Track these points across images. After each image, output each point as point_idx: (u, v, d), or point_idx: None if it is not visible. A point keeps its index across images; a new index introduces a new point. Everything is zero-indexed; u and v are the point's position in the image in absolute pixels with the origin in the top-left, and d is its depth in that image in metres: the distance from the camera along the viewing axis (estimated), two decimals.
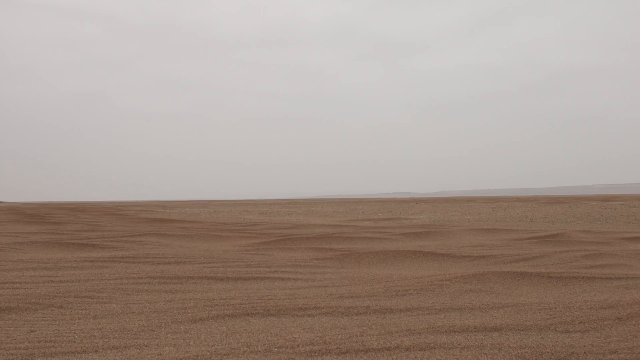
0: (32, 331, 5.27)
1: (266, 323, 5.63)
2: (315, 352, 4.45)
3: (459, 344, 4.59)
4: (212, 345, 4.72)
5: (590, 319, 5.53)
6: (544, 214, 32.41)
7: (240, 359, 4.30)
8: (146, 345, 4.75)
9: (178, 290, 7.63)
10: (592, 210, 37.94)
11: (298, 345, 4.63)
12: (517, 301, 6.59)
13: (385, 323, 5.50)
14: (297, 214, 38.36)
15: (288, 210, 47.28)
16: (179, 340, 4.94)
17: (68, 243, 13.61)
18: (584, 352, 4.36)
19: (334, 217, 32.82)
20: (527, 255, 10.98)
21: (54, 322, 5.69)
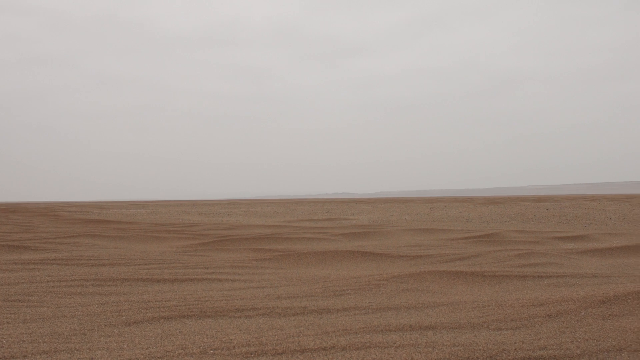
0: None
1: (202, 325, 5.57)
2: (252, 354, 4.42)
3: (394, 343, 4.64)
4: (146, 348, 4.64)
5: (522, 317, 5.68)
6: (480, 214, 33.10)
7: None
8: (77, 350, 4.64)
9: (112, 292, 7.48)
10: (525, 210, 38.97)
11: (234, 347, 4.60)
12: (452, 300, 6.71)
13: (322, 323, 5.51)
14: (237, 215, 38.14)
15: (228, 211, 46.95)
16: (112, 343, 4.84)
17: None
18: (515, 349, 4.47)
19: (274, 218, 32.76)
20: (463, 255, 11.19)
21: None
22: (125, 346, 4.74)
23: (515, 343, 4.66)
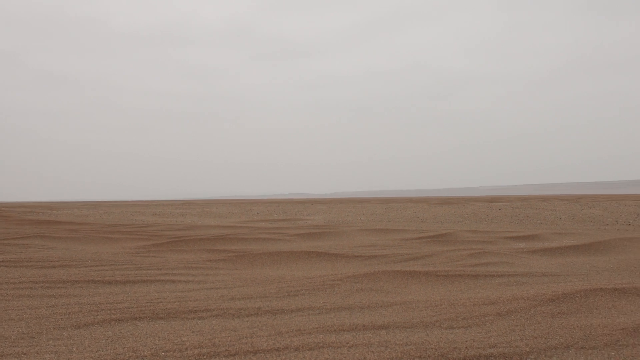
0: None
1: (154, 327, 5.50)
2: (204, 355, 4.38)
3: (347, 343, 4.66)
4: (96, 351, 4.56)
5: (473, 315, 5.76)
6: (434, 215, 33.48)
7: None
8: (25, 354, 4.53)
9: (62, 295, 7.33)
10: (478, 210, 39.56)
11: (186, 349, 4.55)
12: (406, 299, 6.77)
13: (275, 324, 5.50)
14: (192, 215, 37.79)
15: (182, 212, 46.49)
16: (61, 347, 4.74)
17: None
18: (466, 347, 4.53)
19: (229, 219, 32.58)
20: (417, 255, 11.30)
21: None
22: (74, 349, 4.65)
23: (466, 341, 4.73)
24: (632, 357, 4.42)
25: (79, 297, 7.15)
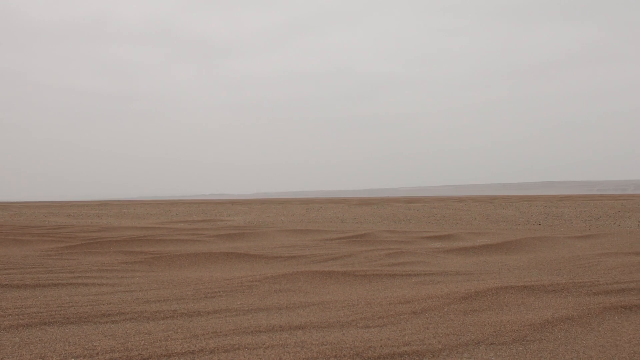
0: None
1: (64, 332, 5.32)
2: None
3: (264, 344, 4.64)
4: (1, 359, 4.36)
5: (389, 314, 5.84)
6: (354, 215, 33.84)
7: None
8: None
9: None
10: (397, 211, 40.25)
11: (97, 354, 4.42)
12: (323, 299, 6.80)
13: (191, 326, 5.42)
14: (108, 217, 36.83)
15: (98, 213, 45.24)
16: None
17: None
18: (380, 346, 4.59)
19: (147, 219, 31.92)
20: (336, 255, 11.39)
21: None
22: None
23: (381, 340, 4.79)
24: (538, 351, 4.58)
25: None
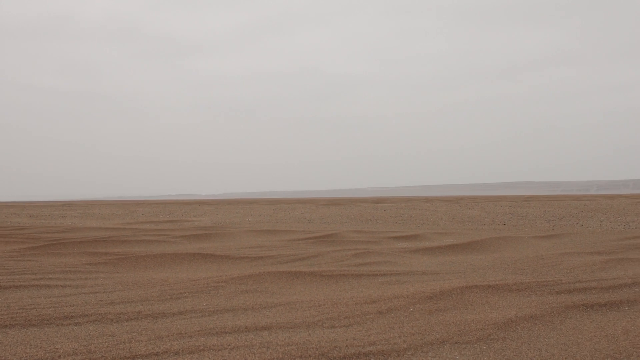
0: None
1: (26, 334, 5.22)
2: None
3: (229, 345, 4.61)
4: None
5: (355, 314, 5.86)
6: (321, 215, 33.87)
7: None
8: None
9: None
10: (364, 211, 40.40)
11: (60, 357, 4.36)
12: (290, 300, 6.79)
13: (156, 328, 5.37)
14: (72, 217, 36.31)
15: (62, 213, 44.58)
16: None
17: None
18: (346, 346, 4.60)
19: (112, 220, 31.55)
20: (303, 255, 11.38)
21: None
22: None
23: (347, 340, 4.80)
24: (502, 350, 4.64)
25: None
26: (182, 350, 4.48)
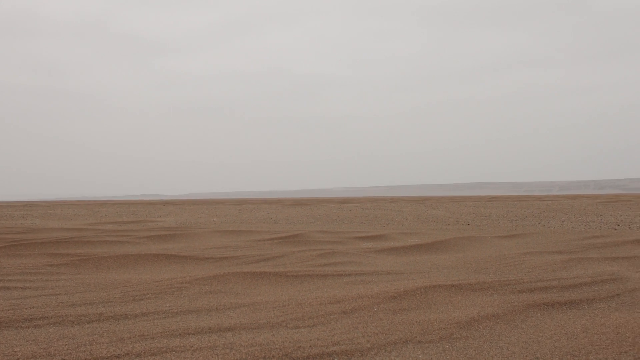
0: None
1: None
2: None
3: (192, 346, 4.58)
4: None
5: (319, 314, 5.86)
6: (287, 216, 33.84)
7: None
8: None
9: None
10: (330, 211, 40.46)
11: (18, 359, 4.28)
12: (254, 300, 6.77)
13: (118, 330, 5.30)
14: (33, 218, 35.69)
15: (23, 214, 43.79)
16: None
17: None
18: (310, 346, 4.60)
19: (75, 221, 31.10)
20: (268, 256, 11.35)
21: None
22: None
23: (310, 340, 4.80)
24: (464, 349, 4.68)
25: None
26: (144, 352, 4.43)
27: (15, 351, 4.51)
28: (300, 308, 6.17)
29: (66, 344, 4.72)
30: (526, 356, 4.48)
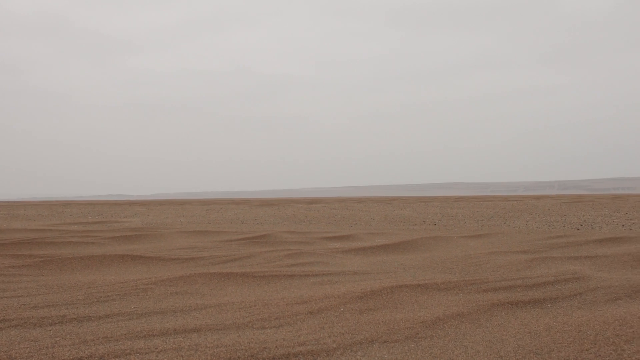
0: None
1: None
2: None
3: (157, 348, 4.54)
4: None
5: (285, 315, 5.85)
6: (255, 216, 33.73)
7: None
8: None
9: None
10: (298, 212, 40.44)
11: None
12: (221, 301, 6.73)
13: (81, 332, 5.23)
14: None
15: None
16: None
17: None
18: (275, 346, 4.59)
19: (38, 221, 30.60)
20: (235, 256, 11.30)
21: None
22: None
23: (276, 340, 4.79)
24: (429, 348, 4.71)
25: None
26: (108, 354, 4.37)
27: None
28: (266, 309, 6.16)
29: (28, 347, 4.64)
30: (490, 355, 4.53)
